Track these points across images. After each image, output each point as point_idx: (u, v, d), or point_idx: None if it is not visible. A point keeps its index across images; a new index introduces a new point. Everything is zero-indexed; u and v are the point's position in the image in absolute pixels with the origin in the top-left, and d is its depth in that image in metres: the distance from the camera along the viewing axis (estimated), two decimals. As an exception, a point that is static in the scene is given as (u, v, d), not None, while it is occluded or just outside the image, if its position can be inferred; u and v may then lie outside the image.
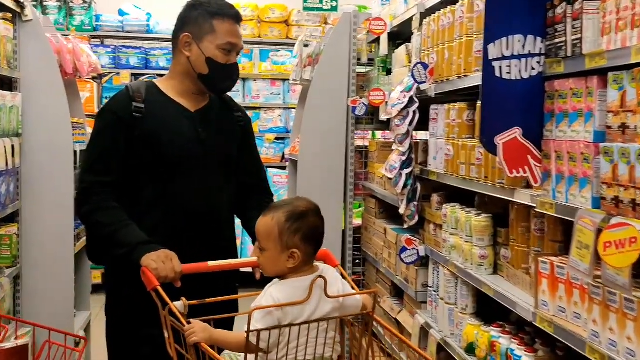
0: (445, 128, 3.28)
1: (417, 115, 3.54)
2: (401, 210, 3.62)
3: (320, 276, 1.91)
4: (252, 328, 1.82)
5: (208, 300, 1.96)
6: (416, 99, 3.55)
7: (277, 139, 7.62)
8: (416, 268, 3.65)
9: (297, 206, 2.04)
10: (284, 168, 7.59)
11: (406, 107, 3.55)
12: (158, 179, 2.44)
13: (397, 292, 4.20)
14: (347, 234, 4.84)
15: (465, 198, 3.31)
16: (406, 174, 3.57)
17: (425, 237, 3.60)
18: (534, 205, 2.38)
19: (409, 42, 3.93)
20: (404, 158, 3.58)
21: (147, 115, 2.44)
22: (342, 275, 2.14)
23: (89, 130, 4.39)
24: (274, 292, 1.96)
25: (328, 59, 4.78)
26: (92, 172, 2.45)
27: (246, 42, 7.62)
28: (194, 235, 2.45)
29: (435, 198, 3.53)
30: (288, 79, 7.56)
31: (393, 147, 3.70)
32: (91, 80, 7.37)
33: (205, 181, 2.48)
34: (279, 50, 7.64)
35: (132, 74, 7.34)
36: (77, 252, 4.86)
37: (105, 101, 7.59)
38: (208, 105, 2.58)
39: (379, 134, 5.36)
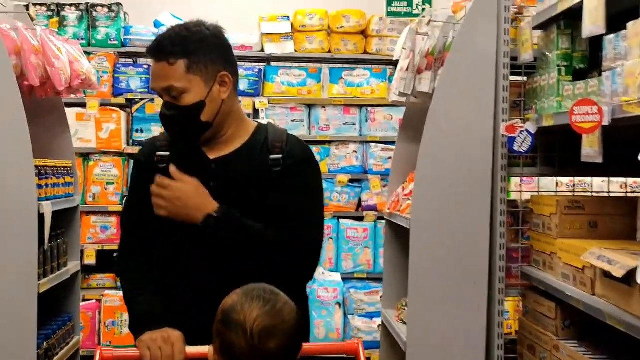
0: None
1: None
2: None
3: None
4: None
5: None
6: None
7: (351, 181, 5.46)
8: None
9: (243, 306, 1.42)
10: (360, 219, 5.44)
11: None
12: (167, 236, 2.04)
13: None
14: (493, 353, 2.64)
15: None
16: None
17: None
18: None
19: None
20: None
21: (169, 165, 2.01)
22: None
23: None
24: None
25: (461, 58, 2.64)
26: (124, 225, 2.14)
27: (313, 60, 5.55)
28: (198, 308, 1.92)
29: None
30: (366, 105, 5.46)
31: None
32: (118, 109, 5.38)
33: (210, 245, 1.97)
34: (354, 69, 5.51)
35: (169, 101, 5.30)
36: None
37: (135, 135, 5.70)
38: (239, 149, 2.06)
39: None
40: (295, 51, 5.43)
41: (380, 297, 5.25)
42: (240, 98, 5.35)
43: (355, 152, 5.49)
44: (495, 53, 2.63)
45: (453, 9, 3.22)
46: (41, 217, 2.56)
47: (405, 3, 5.31)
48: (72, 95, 3.13)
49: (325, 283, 5.14)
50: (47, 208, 2.59)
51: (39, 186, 2.59)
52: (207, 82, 1.98)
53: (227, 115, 2.03)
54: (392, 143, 5.41)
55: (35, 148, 2.93)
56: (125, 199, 2.16)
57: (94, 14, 5.39)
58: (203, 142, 2.04)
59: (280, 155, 2.02)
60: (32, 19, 3.10)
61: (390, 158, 5.41)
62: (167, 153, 2.04)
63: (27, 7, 5.33)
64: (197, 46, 1.97)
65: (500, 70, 2.62)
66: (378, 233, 5.37)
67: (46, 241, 2.64)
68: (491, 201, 2.64)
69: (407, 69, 2.75)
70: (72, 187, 3.03)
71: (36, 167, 2.60)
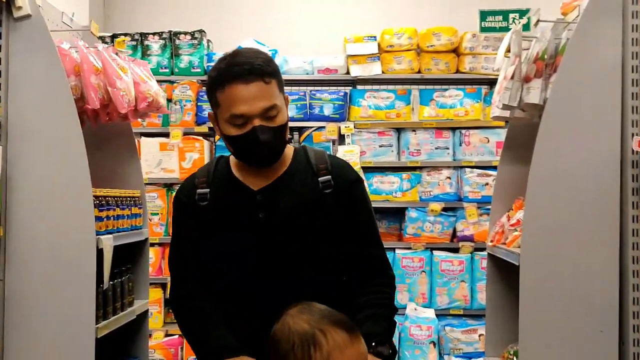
0: None
1: None
2: None
3: None
4: None
5: None
6: None
7: (444, 209, 5.00)
8: None
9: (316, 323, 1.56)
10: (455, 250, 4.96)
11: None
12: (221, 271, 1.97)
13: None
14: (627, 418, 2.13)
15: None
16: None
17: None
18: None
19: None
20: None
21: (211, 202, 1.98)
22: None
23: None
24: None
25: (579, 62, 2.19)
26: (172, 264, 2.04)
27: (402, 81, 5.16)
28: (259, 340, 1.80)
29: None
30: (459, 127, 5.01)
31: None
32: (201, 138, 5.16)
33: (265, 271, 1.92)
34: (446, 89, 5.09)
35: (253, 127, 5.02)
36: None
37: (218, 163, 5.46)
38: (282, 176, 1.98)
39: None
40: (383, 72, 5.06)
41: (479, 335, 4.74)
42: (325, 123, 5.11)
43: (449, 178, 5.03)
44: (621, 55, 2.16)
45: (562, 11, 2.77)
46: (100, 252, 2.28)
47: (501, 17, 4.82)
48: (139, 119, 2.86)
49: (418, 320, 4.68)
50: (107, 242, 2.30)
51: (99, 218, 2.32)
52: (285, 102, 1.98)
53: None
54: (490, 168, 4.95)
55: (102, 176, 2.68)
56: (171, 242, 2.04)
57: (177, 42, 5.22)
58: (246, 174, 1.99)
59: (329, 177, 1.97)
60: (106, 41, 2.87)
61: (487, 184, 4.93)
62: (207, 190, 1.97)
63: (112, 37, 5.26)
64: (276, 67, 1.95)
65: (628, 74, 2.15)
66: (475, 266, 4.88)
67: (106, 279, 2.34)
68: (620, 233, 2.15)
69: (512, 77, 2.32)
70: (140, 218, 2.75)
71: (96, 197, 2.33)
